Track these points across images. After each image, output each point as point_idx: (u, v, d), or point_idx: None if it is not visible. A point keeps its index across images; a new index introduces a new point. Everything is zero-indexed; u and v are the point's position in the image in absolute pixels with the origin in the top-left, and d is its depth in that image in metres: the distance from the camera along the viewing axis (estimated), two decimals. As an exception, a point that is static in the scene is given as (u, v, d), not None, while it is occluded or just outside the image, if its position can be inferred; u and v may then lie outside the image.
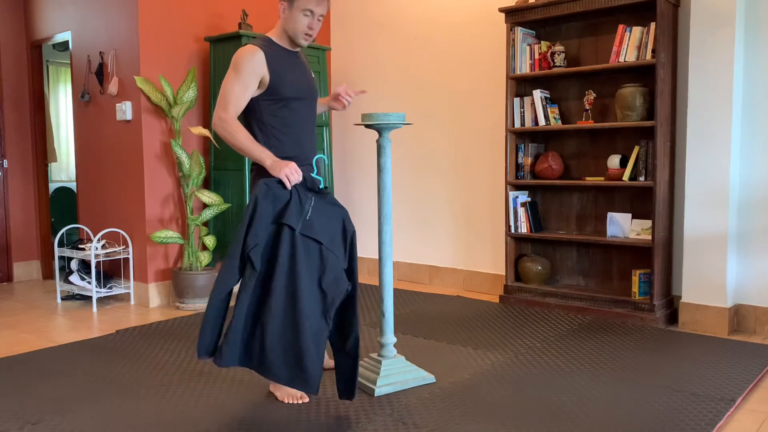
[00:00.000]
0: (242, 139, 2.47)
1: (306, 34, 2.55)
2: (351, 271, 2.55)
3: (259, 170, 2.55)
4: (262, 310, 2.40)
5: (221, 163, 4.49)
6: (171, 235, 4.22)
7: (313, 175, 2.60)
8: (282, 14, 2.57)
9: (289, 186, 2.46)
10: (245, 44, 4.18)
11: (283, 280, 2.39)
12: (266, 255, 2.43)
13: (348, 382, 2.45)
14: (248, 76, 2.47)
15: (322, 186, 2.58)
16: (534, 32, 4.24)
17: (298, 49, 2.66)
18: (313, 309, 2.39)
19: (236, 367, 2.98)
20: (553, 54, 4.04)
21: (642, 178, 3.73)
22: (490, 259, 4.68)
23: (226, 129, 2.47)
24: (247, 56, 2.48)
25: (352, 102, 2.75)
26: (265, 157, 2.48)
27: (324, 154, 4.85)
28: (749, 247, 3.63)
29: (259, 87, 2.52)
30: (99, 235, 4.35)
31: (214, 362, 2.42)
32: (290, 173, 2.45)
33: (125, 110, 4.36)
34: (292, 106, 2.57)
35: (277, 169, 2.46)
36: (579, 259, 4.22)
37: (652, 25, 3.62)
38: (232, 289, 2.45)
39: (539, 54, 4.09)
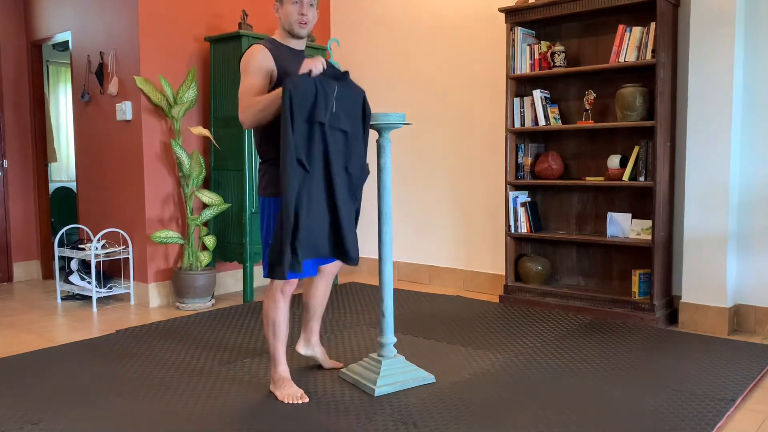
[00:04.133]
0: (258, 102, 2.44)
1: (300, 22, 2.56)
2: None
3: (269, 182, 2.54)
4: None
5: (221, 163, 4.49)
6: (171, 235, 4.22)
7: (331, 61, 2.63)
8: (277, 14, 2.61)
9: (317, 71, 2.41)
10: (246, 45, 4.22)
11: (320, 172, 2.45)
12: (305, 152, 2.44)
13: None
14: (257, 71, 2.49)
15: (339, 69, 2.58)
16: (534, 32, 4.24)
17: (302, 49, 2.67)
18: (344, 194, 2.52)
19: (236, 367, 2.99)
20: (553, 54, 4.04)
21: (642, 178, 3.73)
22: (490, 259, 4.68)
23: (245, 112, 2.46)
24: (252, 55, 2.52)
25: None
26: (279, 90, 2.42)
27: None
28: (749, 247, 3.63)
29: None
30: (99, 235, 4.35)
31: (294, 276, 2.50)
32: (313, 65, 2.42)
33: (125, 110, 4.36)
34: None
35: (304, 65, 2.42)
36: (579, 259, 4.22)
37: (652, 25, 3.62)
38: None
39: (539, 54, 4.09)
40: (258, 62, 2.50)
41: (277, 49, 2.55)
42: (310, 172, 2.42)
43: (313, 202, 2.44)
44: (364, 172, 2.63)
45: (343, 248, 2.54)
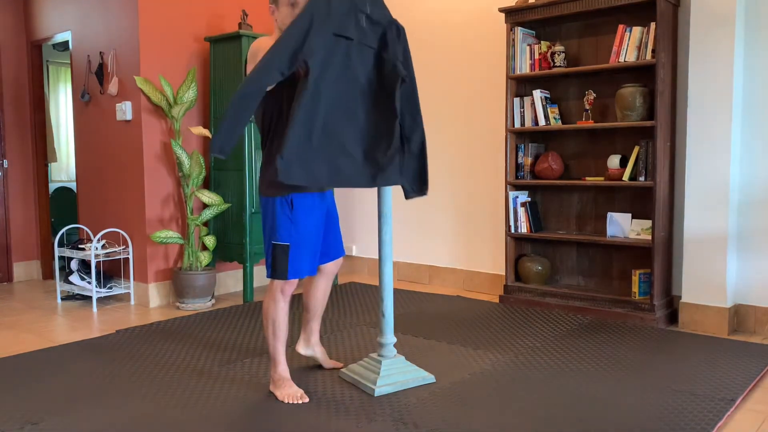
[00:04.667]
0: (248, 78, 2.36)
1: None
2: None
3: (270, 183, 2.53)
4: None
5: (221, 163, 4.49)
6: (171, 235, 4.22)
7: None
8: (273, 16, 2.63)
9: None
10: (246, 45, 4.22)
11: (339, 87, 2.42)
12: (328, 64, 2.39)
13: (418, 180, 2.56)
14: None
15: None
16: (534, 32, 4.24)
17: None
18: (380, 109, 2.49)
19: (236, 367, 2.99)
20: (553, 54, 4.04)
21: (642, 178, 3.73)
22: (490, 259, 4.68)
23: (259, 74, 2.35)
24: (262, 44, 2.52)
25: None
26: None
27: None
28: (749, 247, 3.63)
29: None
30: (99, 235, 4.35)
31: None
32: None
33: (125, 110, 4.36)
34: None
35: None
36: (579, 259, 4.22)
37: (652, 25, 3.62)
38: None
39: (539, 54, 4.09)
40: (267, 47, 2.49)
41: None
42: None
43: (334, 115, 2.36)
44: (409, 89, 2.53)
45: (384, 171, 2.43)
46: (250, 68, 2.52)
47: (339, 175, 2.41)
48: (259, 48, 2.52)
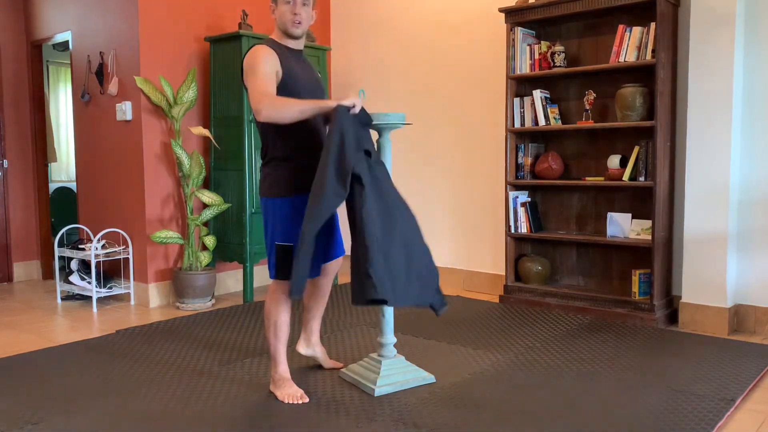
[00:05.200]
0: (293, 104, 2.41)
1: (293, 22, 2.55)
2: None
3: (272, 184, 2.54)
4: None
5: (221, 163, 4.49)
6: (171, 235, 4.22)
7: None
8: (273, 15, 2.61)
9: (357, 110, 2.46)
10: (246, 45, 4.22)
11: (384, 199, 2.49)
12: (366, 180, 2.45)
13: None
14: (265, 67, 2.46)
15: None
16: (534, 32, 4.24)
17: (301, 49, 2.67)
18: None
19: (236, 367, 2.99)
20: (553, 54, 4.04)
21: (642, 178, 3.73)
22: (490, 259, 4.68)
23: (273, 105, 2.39)
24: (259, 53, 2.48)
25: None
26: (325, 103, 2.45)
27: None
28: (749, 247, 3.63)
29: None
30: (99, 235, 4.35)
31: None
32: (355, 99, 2.47)
33: (125, 110, 4.36)
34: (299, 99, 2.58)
35: (344, 99, 2.45)
36: (579, 259, 4.22)
37: (652, 25, 3.62)
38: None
39: (539, 54, 4.09)
40: (267, 60, 2.47)
41: (278, 50, 2.55)
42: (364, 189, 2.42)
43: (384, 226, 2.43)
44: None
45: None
46: (249, 79, 2.47)
47: (410, 291, 2.49)
48: (256, 58, 2.48)
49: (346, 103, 2.43)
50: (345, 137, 2.40)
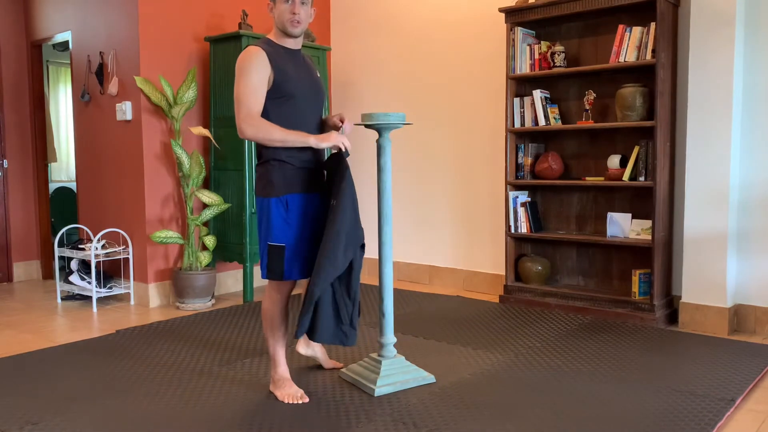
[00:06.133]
0: (276, 132, 2.46)
1: (292, 21, 2.54)
2: None
3: (266, 184, 2.55)
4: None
5: (221, 163, 4.49)
6: (171, 235, 4.22)
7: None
8: (271, 14, 2.60)
9: (344, 148, 2.55)
10: (246, 45, 4.22)
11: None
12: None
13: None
14: (255, 74, 2.46)
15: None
16: (534, 32, 4.24)
17: (299, 48, 2.67)
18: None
19: (236, 367, 2.99)
20: (553, 54, 4.04)
21: (642, 178, 3.73)
22: (490, 259, 4.68)
23: (257, 129, 2.46)
24: (249, 57, 2.48)
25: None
26: (306, 138, 2.50)
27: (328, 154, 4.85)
28: (749, 247, 3.63)
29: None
30: (99, 235, 4.35)
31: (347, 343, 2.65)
32: (343, 139, 2.54)
33: (125, 110, 4.36)
34: (296, 103, 2.57)
35: (329, 140, 2.52)
36: (579, 259, 4.22)
37: (652, 25, 3.62)
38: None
39: (539, 54, 4.09)
40: (257, 65, 2.46)
41: (273, 51, 2.53)
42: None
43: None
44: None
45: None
46: (238, 86, 2.47)
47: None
48: (246, 63, 2.47)
49: (334, 143, 2.53)
50: (353, 199, 2.55)
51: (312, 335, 2.59)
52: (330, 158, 2.64)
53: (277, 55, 2.53)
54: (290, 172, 2.56)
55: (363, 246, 2.64)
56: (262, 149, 2.58)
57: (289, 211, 2.54)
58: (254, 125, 2.45)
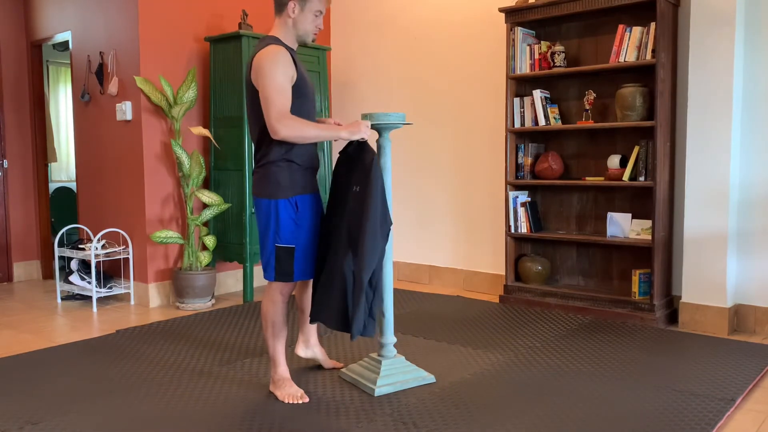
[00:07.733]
0: (310, 129, 2.46)
1: (315, 33, 2.63)
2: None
3: (272, 185, 2.54)
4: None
5: (221, 163, 4.49)
6: (171, 235, 4.22)
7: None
8: (292, 14, 2.55)
9: (366, 137, 2.58)
10: (246, 45, 4.22)
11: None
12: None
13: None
14: (282, 73, 2.44)
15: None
16: (534, 32, 4.24)
17: (295, 47, 2.68)
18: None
19: (236, 367, 2.99)
20: (553, 54, 4.04)
21: (642, 178, 3.73)
22: (490, 259, 4.68)
23: (291, 128, 2.42)
24: (276, 56, 2.45)
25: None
26: (338, 131, 2.52)
27: (324, 154, 4.85)
28: (749, 247, 3.63)
29: None
30: (99, 235, 4.35)
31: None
32: (366, 130, 2.56)
33: (125, 110, 4.36)
34: (307, 102, 2.61)
35: (360, 130, 2.54)
36: (579, 259, 4.22)
37: (652, 25, 3.62)
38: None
39: (539, 54, 4.09)
40: (285, 68, 2.45)
41: (291, 52, 2.56)
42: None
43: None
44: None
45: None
46: (264, 85, 2.42)
47: None
48: (274, 63, 2.42)
49: (362, 135, 2.55)
50: (382, 185, 2.55)
51: (348, 329, 2.56)
52: (351, 146, 2.65)
53: (294, 56, 2.56)
54: (298, 173, 2.56)
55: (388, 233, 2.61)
56: (269, 150, 2.54)
57: (300, 212, 2.55)
58: (288, 125, 2.42)
